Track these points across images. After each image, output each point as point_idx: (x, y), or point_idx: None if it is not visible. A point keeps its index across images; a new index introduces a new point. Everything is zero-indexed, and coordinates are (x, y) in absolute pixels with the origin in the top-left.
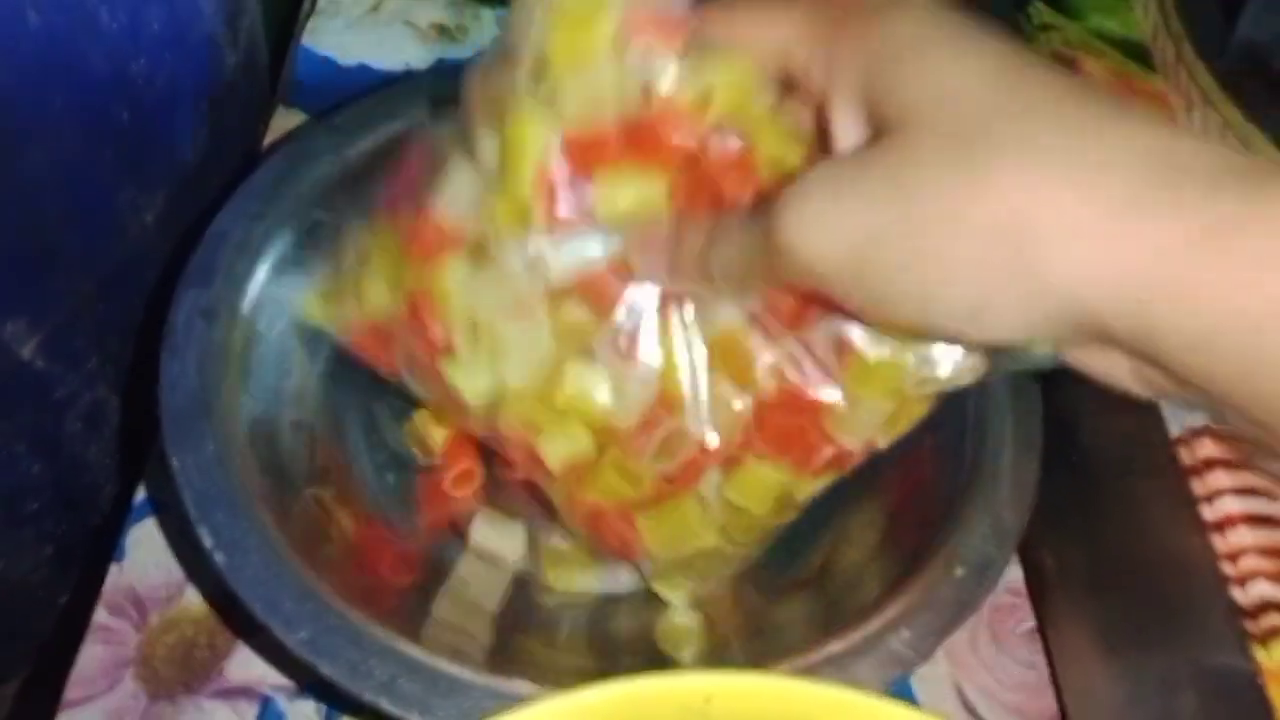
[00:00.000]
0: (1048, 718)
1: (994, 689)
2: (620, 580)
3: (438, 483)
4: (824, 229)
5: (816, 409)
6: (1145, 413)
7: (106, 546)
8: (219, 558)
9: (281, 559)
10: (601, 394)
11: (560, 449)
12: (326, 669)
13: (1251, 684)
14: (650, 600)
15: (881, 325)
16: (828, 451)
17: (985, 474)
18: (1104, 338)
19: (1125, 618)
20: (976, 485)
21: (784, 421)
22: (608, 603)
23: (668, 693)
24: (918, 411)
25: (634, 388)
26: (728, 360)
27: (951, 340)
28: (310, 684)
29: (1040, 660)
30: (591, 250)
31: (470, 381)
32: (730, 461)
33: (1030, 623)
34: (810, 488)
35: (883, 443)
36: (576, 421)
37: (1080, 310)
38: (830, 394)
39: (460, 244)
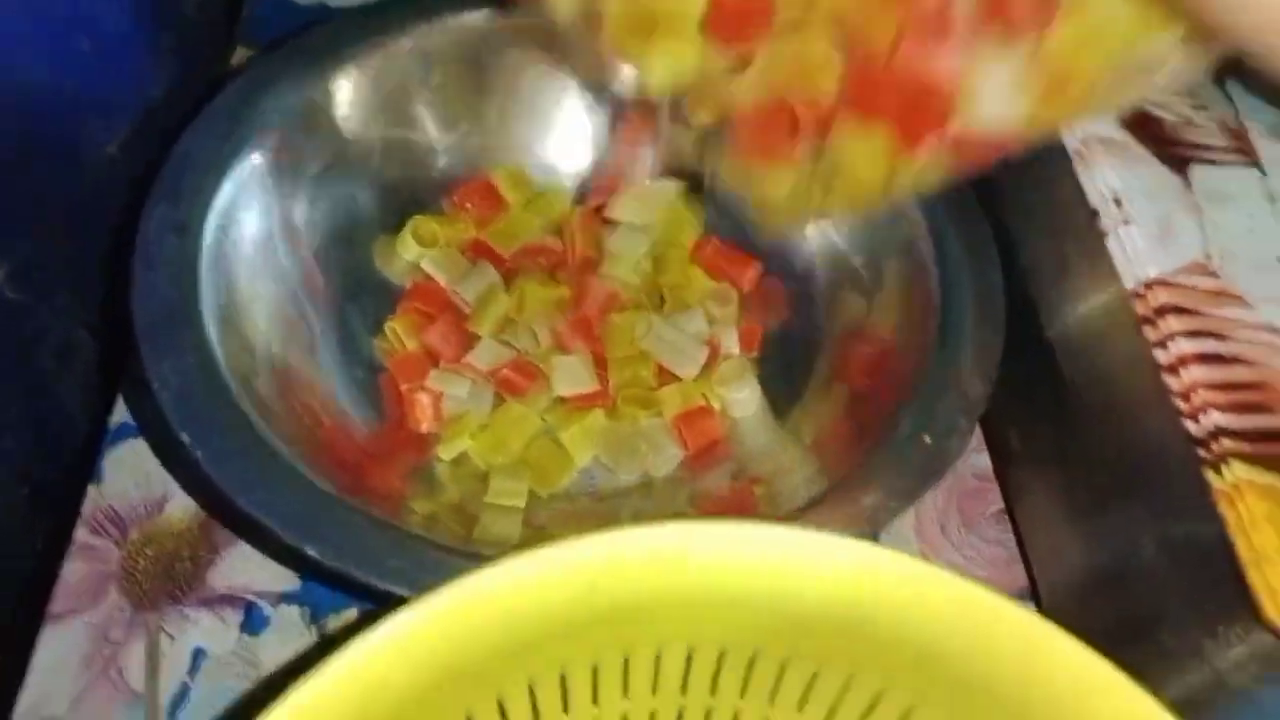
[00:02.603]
0: (1017, 590)
1: (964, 566)
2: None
3: (397, 384)
4: None
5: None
6: (1102, 282)
7: (83, 481)
8: (200, 454)
9: (262, 451)
10: None
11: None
12: (313, 550)
13: (1209, 515)
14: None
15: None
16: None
17: (950, 348)
18: None
19: (1087, 479)
20: (942, 359)
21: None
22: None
23: (644, 544)
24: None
25: None
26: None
27: (1241, 47)
28: (291, 593)
29: (1009, 538)
30: None
31: None
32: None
33: (998, 504)
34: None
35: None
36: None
37: None
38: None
39: None
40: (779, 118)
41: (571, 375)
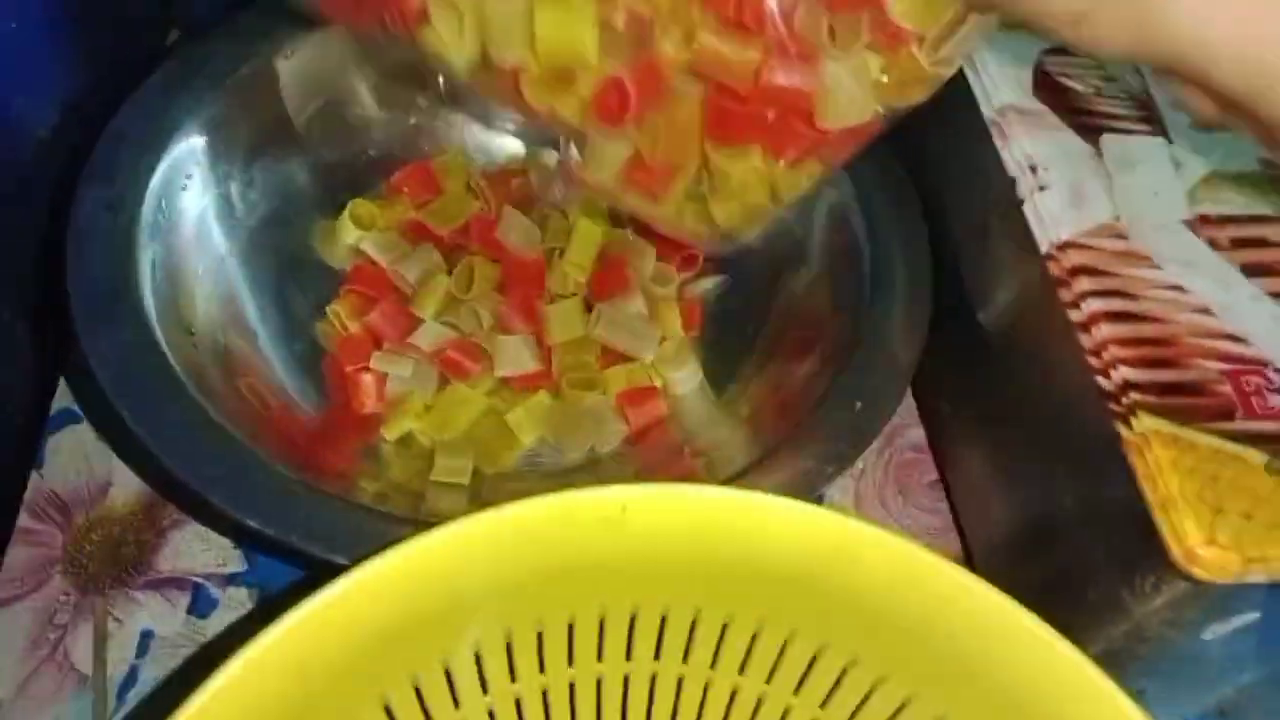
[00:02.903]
0: (952, 555)
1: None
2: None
3: (341, 366)
4: None
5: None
6: (1021, 248)
7: (24, 467)
8: (140, 429)
9: (202, 424)
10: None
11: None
12: (253, 521)
13: (1121, 463)
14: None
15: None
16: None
17: (880, 317)
18: (1200, 81)
19: (1012, 443)
20: (872, 327)
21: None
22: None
23: (586, 504)
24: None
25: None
26: None
27: (1048, 37)
28: (239, 574)
29: (944, 506)
30: None
31: (453, 46)
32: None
33: (933, 475)
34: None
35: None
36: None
37: (1183, 53)
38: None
39: None
40: (655, 170)
41: (513, 356)
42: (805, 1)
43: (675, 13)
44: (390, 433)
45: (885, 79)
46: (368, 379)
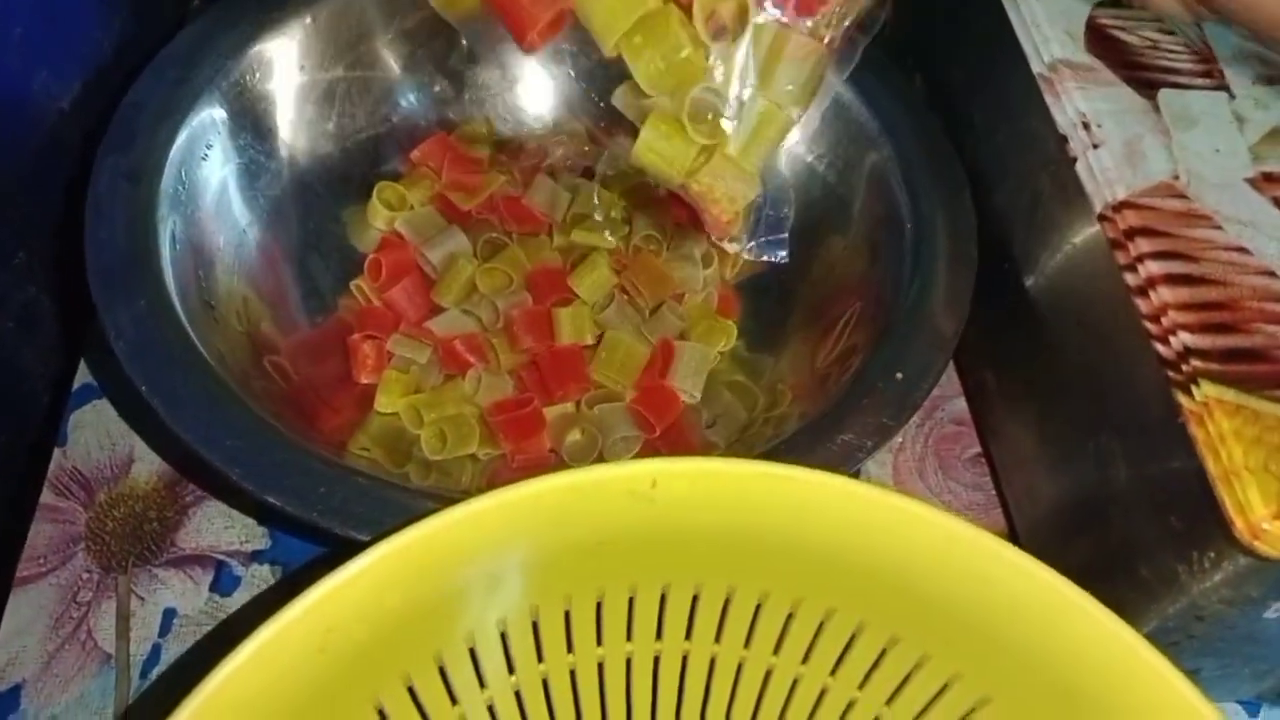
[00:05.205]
0: (997, 533)
1: None
2: None
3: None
4: None
5: None
6: (1073, 211)
7: (47, 444)
8: (157, 402)
9: (222, 398)
10: None
11: None
12: (274, 498)
13: (1180, 433)
14: None
15: None
16: None
17: (923, 285)
18: None
19: (1061, 413)
20: (914, 297)
21: None
22: None
23: (616, 479)
24: None
25: None
26: None
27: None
28: (262, 551)
29: (986, 482)
30: None
31: None
32: None
33: (975, 448)
34: None
35: None
36: None
37: None
38: None
39: None
40: None
41: (495, 389)
42: None
43: None
44: (382, 405)
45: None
46: (366, 349)
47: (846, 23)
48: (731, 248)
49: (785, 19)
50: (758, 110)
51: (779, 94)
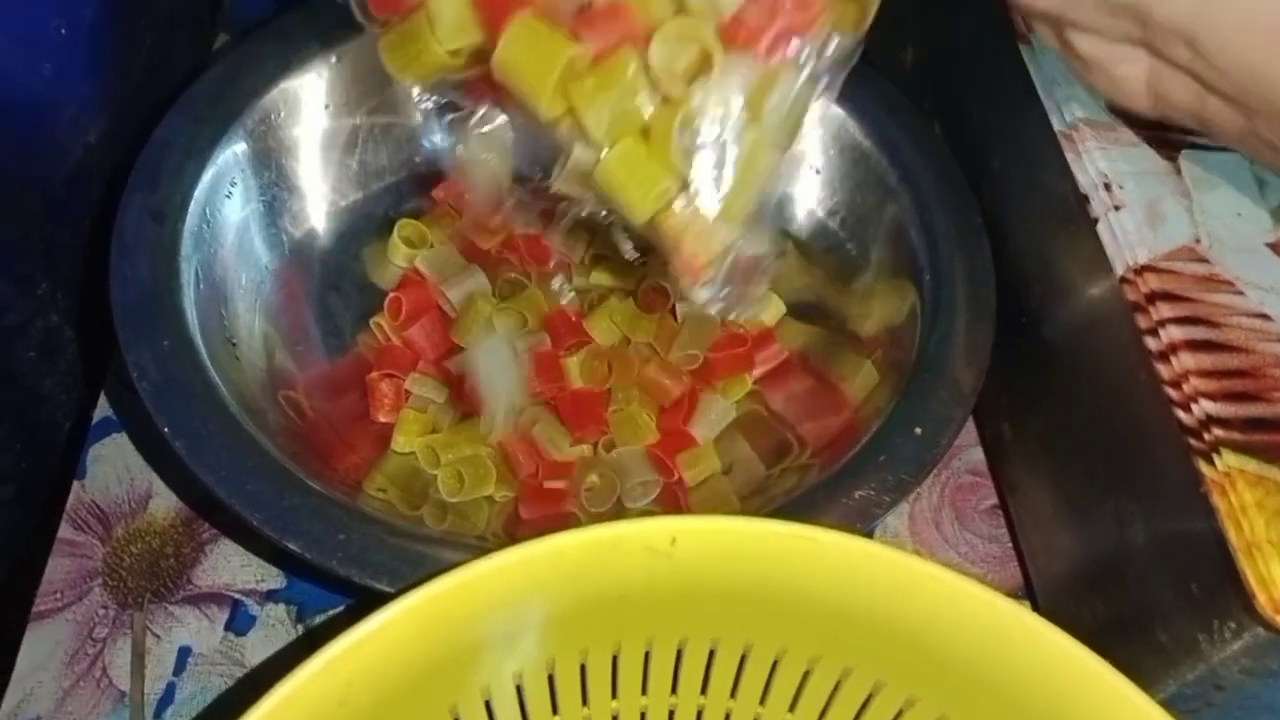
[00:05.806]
0: (1013, 588)
1: (959, 564)
2: None
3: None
4: None
5: None
6: (1092, 270)
7: (66, 477)
8: (178, 444)
9: (242, 440)
10: None
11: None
12: (293, 544)
13: (1201, 502)
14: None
15: None
16: None
17: (941, 339)
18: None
19: (1079, 472)
20: (933, 350)
21: None
22: None
23: (635, 535)
24: None
25: None
26: None
27: None
28: (277, 591)
29: (1003, 534)
30: None
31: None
32: None
33: (992, 499)
34: None
35: None
36: None
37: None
38: None
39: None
40: None
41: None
42: None
43: None
44: (399, 445)
45: None
46: (384, 387)
47: (827, 54)
48: (699, 295)
49: (758, 58)
50: (739, 152)
51: (759, 134)
